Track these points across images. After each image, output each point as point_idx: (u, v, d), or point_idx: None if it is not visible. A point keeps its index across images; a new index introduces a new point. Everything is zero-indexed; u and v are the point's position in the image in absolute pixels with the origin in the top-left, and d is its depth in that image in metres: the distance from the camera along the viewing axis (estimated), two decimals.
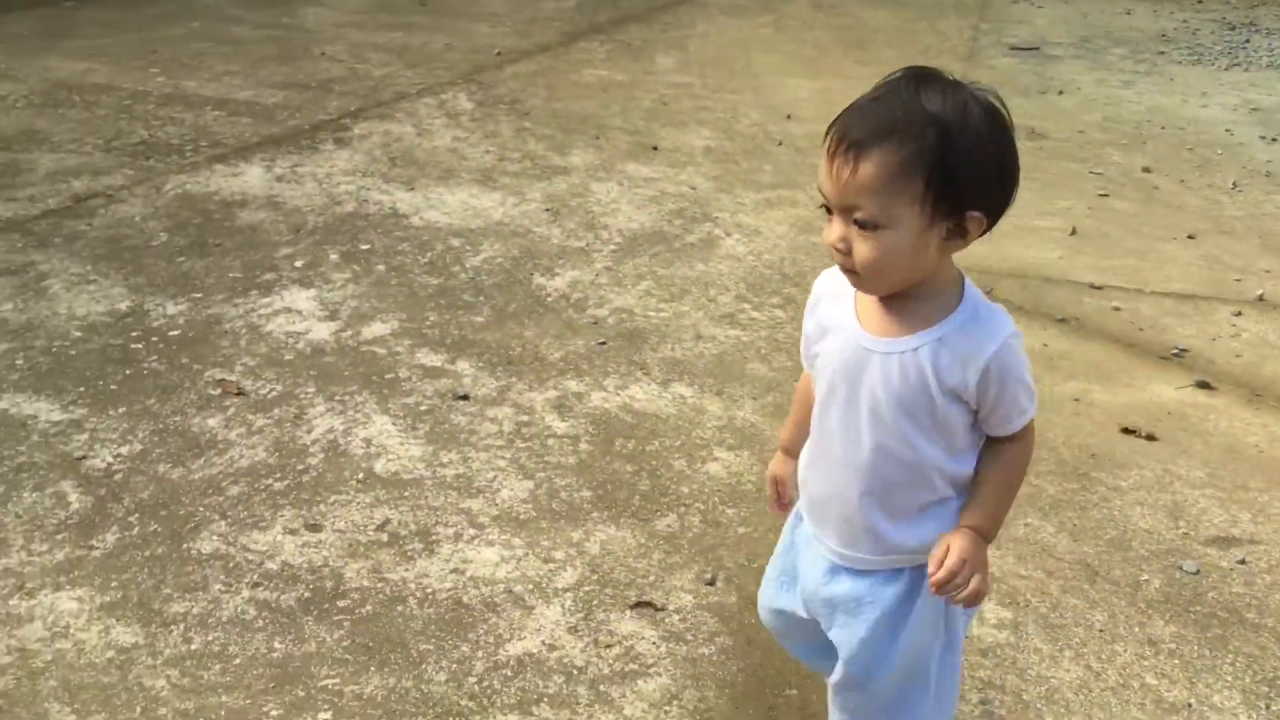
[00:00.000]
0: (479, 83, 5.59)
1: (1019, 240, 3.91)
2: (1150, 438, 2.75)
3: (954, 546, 1.39)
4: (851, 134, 1.31)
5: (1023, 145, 4.79)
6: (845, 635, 1.51)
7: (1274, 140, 5.23)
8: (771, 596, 1.65)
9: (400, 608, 2.09)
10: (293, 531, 2.28)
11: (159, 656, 1.94)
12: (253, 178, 4.16)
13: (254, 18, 6.74)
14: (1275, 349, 3.24)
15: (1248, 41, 7.25)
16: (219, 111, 4.91)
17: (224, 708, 1.84)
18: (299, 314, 3.16)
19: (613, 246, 3.74)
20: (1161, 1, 8.58)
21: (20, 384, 2.74)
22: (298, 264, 3.48)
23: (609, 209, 4.06)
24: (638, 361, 3.01)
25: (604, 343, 3.09)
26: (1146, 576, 2.26)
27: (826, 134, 1.33)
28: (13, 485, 2.37)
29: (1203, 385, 3.01)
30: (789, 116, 5.25)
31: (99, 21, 6.46)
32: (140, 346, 2.95)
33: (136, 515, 2.30)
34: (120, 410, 2.66)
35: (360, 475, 2.47)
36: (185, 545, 2.22)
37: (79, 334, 2.99)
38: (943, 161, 1.29)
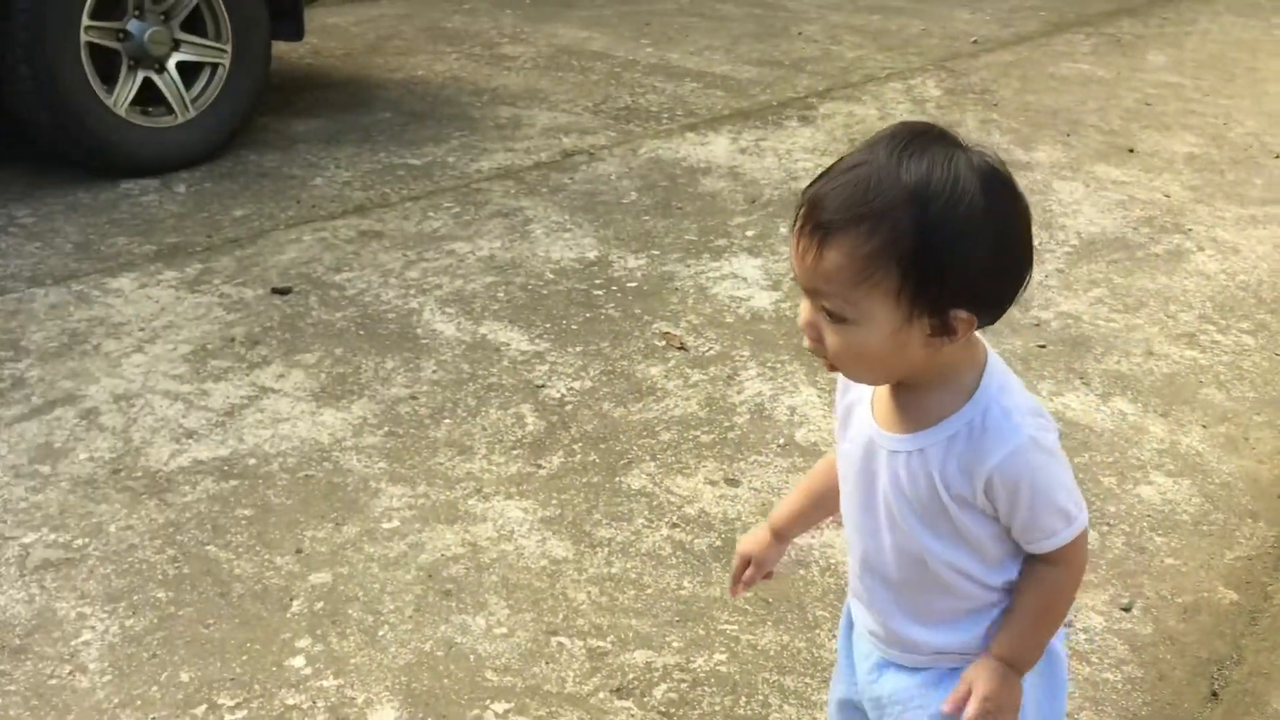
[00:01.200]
0: (950, 70, 5.52)
1: None
2: None
3: (976, 689, 1.21)
4: (817, 213, 1.10)
5: None
6: None
7: None
8: (835, 688, 1.47)
9: (802, 572, 2.16)
10: (713, 483, 2.42)
11: (584, 573, 2.14)
12: (719, 148, 4.37)
13: None
14: None
15: None
16: (696, 84, 5.19)
17: (632, 630, 2.00)
18: (744, 280, 3.31)
19: (1068, 249, 3.59)
20: None
21: (499, 314, 3.09)
22: (749, 233, 3.63)
23: (1070, 209, 3.89)
24: (1078, 370, 2.89)
25: (1044, 346, 2.99)
26: None
27: (800, 202, 1.14)
28: (483, 401, 2.68)
29: None
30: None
31: None
32: (601, 293, 3.22)
33: (580, 444, 2.53)
34: (577, 349, 2.92)
35: (781, 440, 2.57)
36: (617, 478, 2.42)
37: (551, 276, 3.31)
38: (921, 252, 1.08)
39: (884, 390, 1.23)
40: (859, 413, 1.27)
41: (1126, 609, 2.09)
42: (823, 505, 1.43)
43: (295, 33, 4.38)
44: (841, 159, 1.14)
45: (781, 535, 1.46)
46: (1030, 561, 1.24)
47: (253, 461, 2.43)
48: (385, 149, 4.24)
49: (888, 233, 1.07)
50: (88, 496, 2.29)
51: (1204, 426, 2.67)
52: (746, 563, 1.47)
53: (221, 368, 2.77)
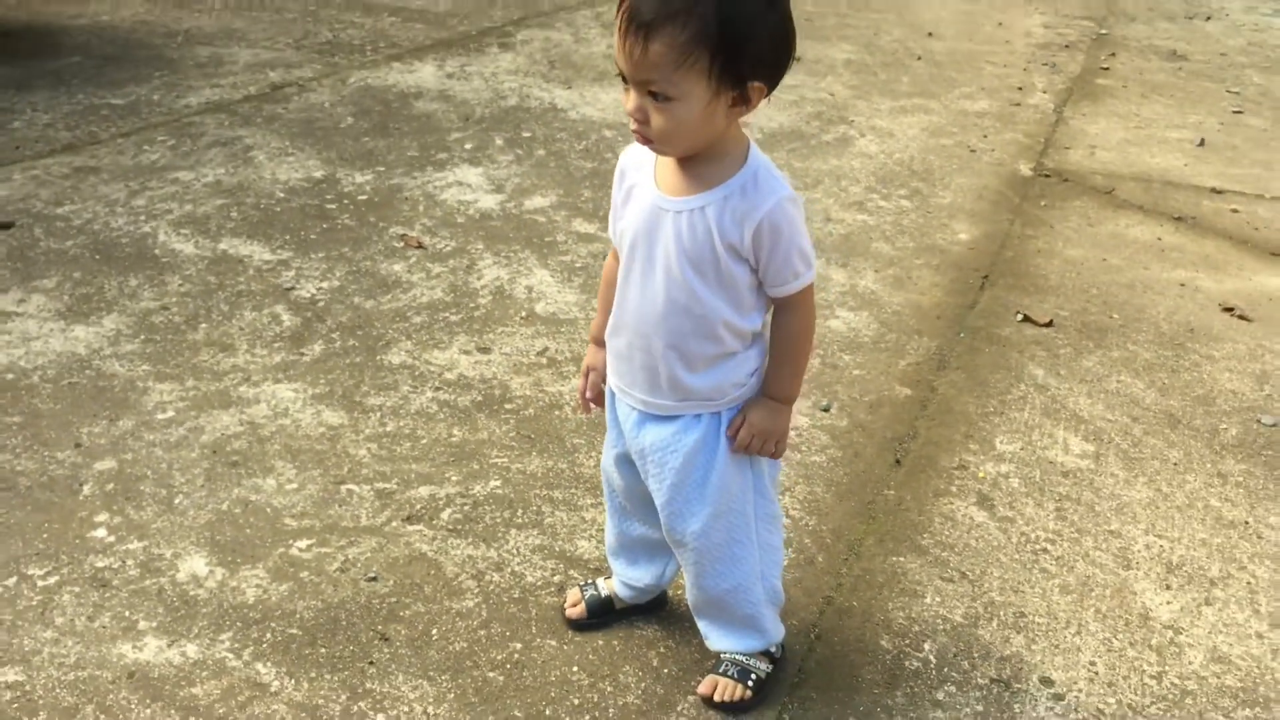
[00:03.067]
0: None
1: (1146, 149, 4.06)
2: (1246, 318, 2.94)
3: (748, 419, 1.59)
4: (639, 15, 1.37)
5: (1160, 65, 4.94)
6: (657, 485, 1.65)
7: None
8: (609, 451, 1.76)
9: (557, 412, 2.45)
10: (467, 352, 2.66)
11: (360, 434, 2.35)
12: (426, 74, 4.55)
13: None
14: None
15: None
16: (394, 18, 5.32)
17: (413, 473, 2.23)
18: (469, 186, 3.55)
19: (754, 139, 4.02)
20: None
21: (235, 230, 3.19)
22: (467, 146, 3.86)
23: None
24: None
25: None
26: (1226, 426, 2.49)
27: (617, 11, 1.41)
28: (235, 305, 2.81)
29: None
30: (930, 34, 5.42)
31: None
32: (334, 206, 3.37)
33: (337, 333, 2.71)
34: (319, 255, 3.08)
35: (523, 313, 2.84)
36: (378, 357, 2.62)
37: (282, 194, 3.43)
38: (724, 39, 1.38)
39: (668, 165, 1.53)
40: (639, 192, 1.57)
41: (825, 409, 2.50)
42: None
43: None
44: None
45: (601, 340, 1.72)
46: (778, 317, 1.59)
47: (10, 376, 2.47)
48: (83, 90, 4.17)
49: (697, 24, 1.37)
50: None
51: (876, 271, 3.14)
52: (590, 373, 1.76)
53: None
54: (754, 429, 1.59)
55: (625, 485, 1.76)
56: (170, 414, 2.37)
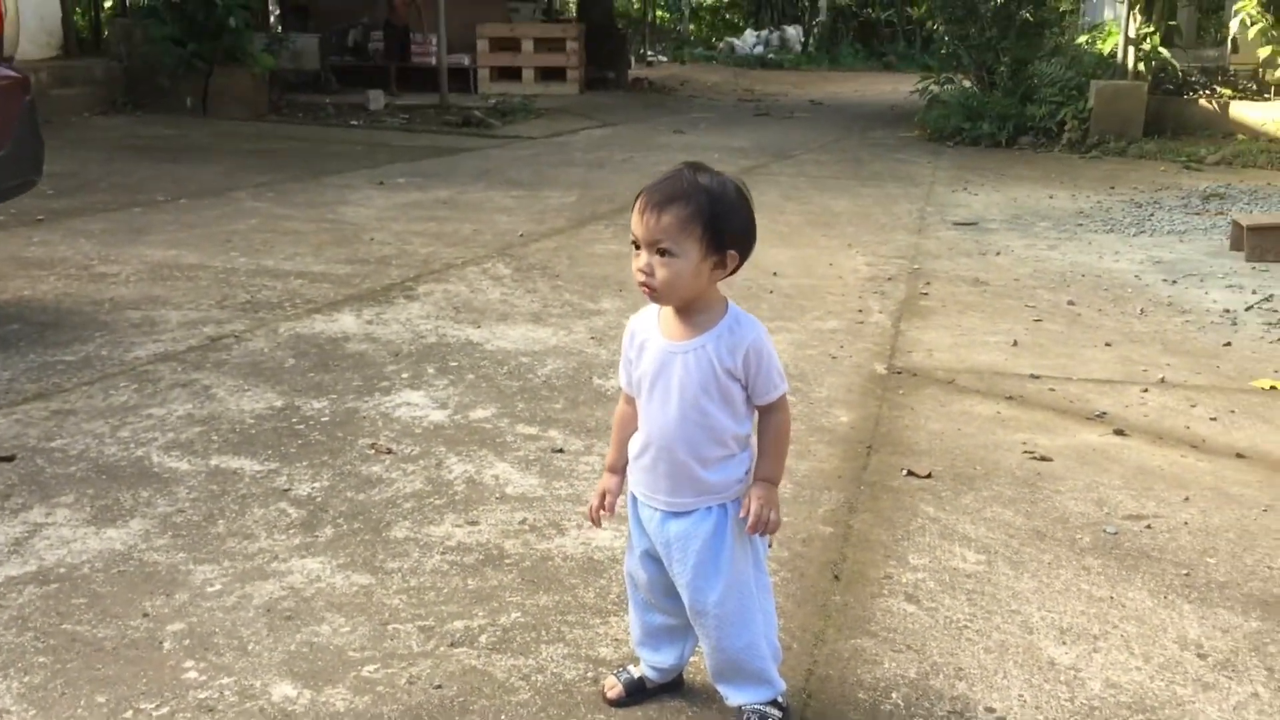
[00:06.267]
0: (511, 255, 6.63)
1: (972, 350, 4.89)
2: (1082, 463, 3.65)
3: (754, 496, 2.09)
4: (655, 198, 2.01)
5: (968, 289, 6.05)
6: (681, 568, 2.12)
7: (1174, 282, 6.33)
8: (633, 553, 2.24)
9: (549, 562, 2.91)
10: (459, 526, 3.10)
11: (389, 589, 2.75)
12: (348, 322, 5.09)
13: (302, 215, 7.79)
14: (1174, 411, 4.18)
15: (1152, 215, 8.50)
16: (301, 280, 5.88)
17: (445, 612, 2.64)
18: (416, 406, 4.04)
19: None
20: (1079, 188, 9.90)
21: (222, 449, 3.59)
22: (404, 375, 4.37)
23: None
24: None
25: None
26: (1081, 536, 3.13)
27: (636, 198, 2.03)
28: (244, 505, 3.19)
29: (1119, 433, 3.93)
30: (775, 274, 6.29)
31: (168, 223, 7.43)
32: (302, 427, 3.81)
33: (342, 519, 3.12)
34: (304, 464, 3.50)
35: (498, 495, 3.31)
36: (384, 534, 3.04)
37: (251, 420, 3.85)
38: (713, 216, 1.99)
39: (669, 321, 2.11)
40: (650, 344, 2.13)
41: (770, 545, 3.02)
42: (628, 437, 2.24)
43: None
44: (659, 177, 2.06)
45: (615, 469, 2.26)
46: (764, 418, 2.15)
47: (63, 570, 2.79)
48: (33, 351, 4.53)
49: (695, 205, 2.01)
50: None
51: None
52: (603, 496, 2.25)
53: None
54: (761, 501, 2.11)
55: (648, 579, 2.24)
56: (219, 587, 2.73)
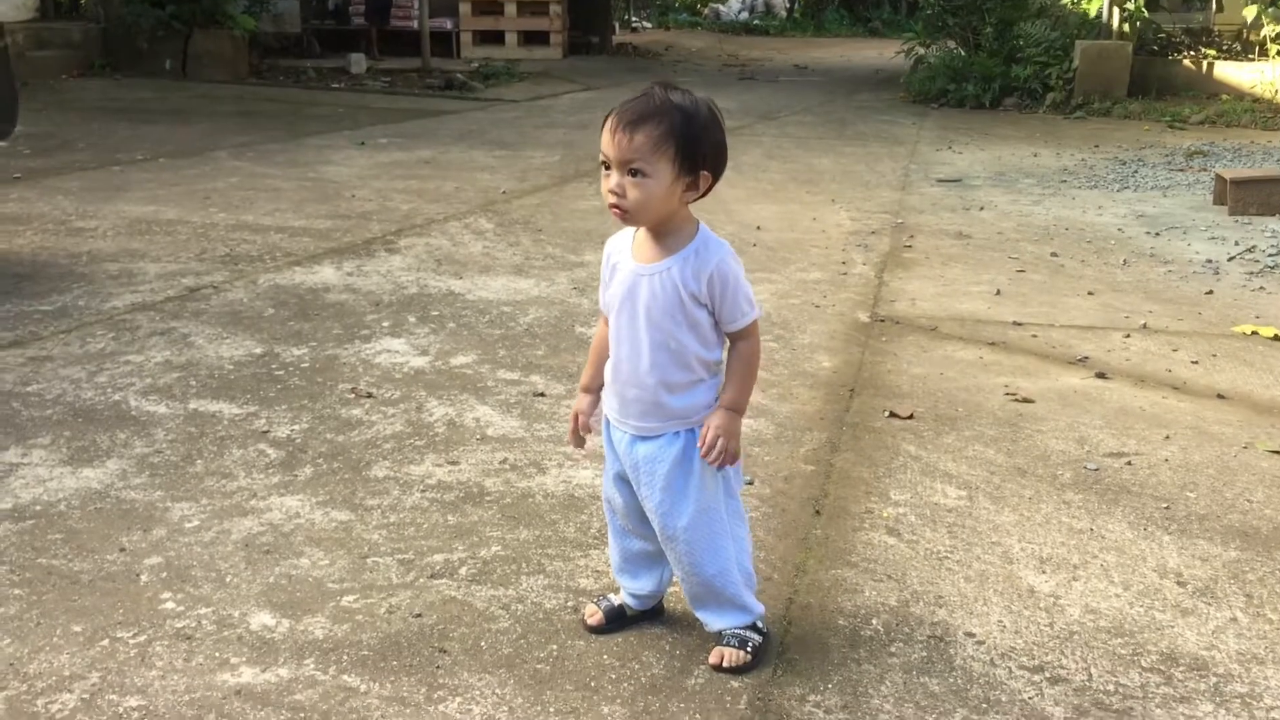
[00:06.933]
0: (494, 211, 6.59)
1: (955, 299, 4.88)
2: (1063, 404, 3.66)
3: (711, 425, 2.06)
4: (626, 117, 1.96)
5: (952, 242, 6.02)
6: (649, 491, 2.12)
7: (1157, 235, 6.33)
8: (608, 476, 2.23)
9: (530, 500, 2.90)
10: (439, 465, 3.09)
11: (369, 525, 2.73)
12: (328, 274, 5.05)
13: (282, 173, 7.73)
14: (1156, 355, 4.19)
15: (1135, 172, 8.50)
16: (281, 234, 5.83)
17: (425, 546, 2.63)
18: (397, 353, 4.02)
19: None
20: (1064, 147, 9.89)
21: (200, 394, 3.56)
22: (385, 324, 4.34)
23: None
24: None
25: None
26: (1062, 472, 3.13)
27: (607, 116, 1.98)
28: (222, 446, 3.17)
29: (1100, 376, 3.94)
30: (758, 228, 6.27)
31: (147, 181, 7.35)
32: (282, 373, 3.78)
33: (321, 459, 3.10)
34: (283, 407, 3.47)
35: (479, 436, 3.30)
36: (364, 473, 3.02)
37: (230, 367, 3.82)
38: (685, 137, 1.96)
39: (641, 242, 2.09)
40: (621, 266, 2.12)
41: (749, 483, 3.01)
42: (605, 359, 2.23)
43: None
44: (629, 97, 2.01)
45: (589, 389, 2.25)
46: (733, 345, 2.12)
47: (39, 508, 2.76)
48: (9, 301, 4.48)
49: (668, 124, 1.98)
50: None
51: (762, 392, 3.73)
52: (579, 416, 2.24)
53: None
54: (717, 429, 2.08)
55: (624, 503, 2.23)
56: (196, 523, 2.71)
